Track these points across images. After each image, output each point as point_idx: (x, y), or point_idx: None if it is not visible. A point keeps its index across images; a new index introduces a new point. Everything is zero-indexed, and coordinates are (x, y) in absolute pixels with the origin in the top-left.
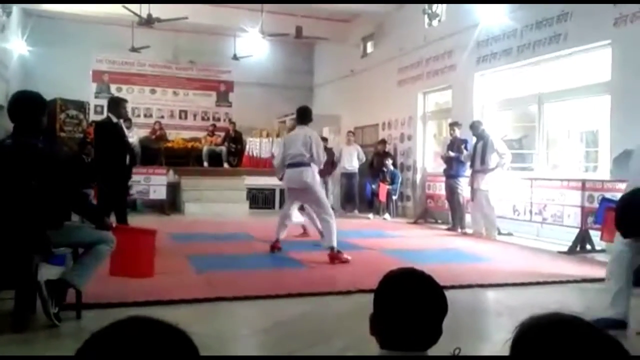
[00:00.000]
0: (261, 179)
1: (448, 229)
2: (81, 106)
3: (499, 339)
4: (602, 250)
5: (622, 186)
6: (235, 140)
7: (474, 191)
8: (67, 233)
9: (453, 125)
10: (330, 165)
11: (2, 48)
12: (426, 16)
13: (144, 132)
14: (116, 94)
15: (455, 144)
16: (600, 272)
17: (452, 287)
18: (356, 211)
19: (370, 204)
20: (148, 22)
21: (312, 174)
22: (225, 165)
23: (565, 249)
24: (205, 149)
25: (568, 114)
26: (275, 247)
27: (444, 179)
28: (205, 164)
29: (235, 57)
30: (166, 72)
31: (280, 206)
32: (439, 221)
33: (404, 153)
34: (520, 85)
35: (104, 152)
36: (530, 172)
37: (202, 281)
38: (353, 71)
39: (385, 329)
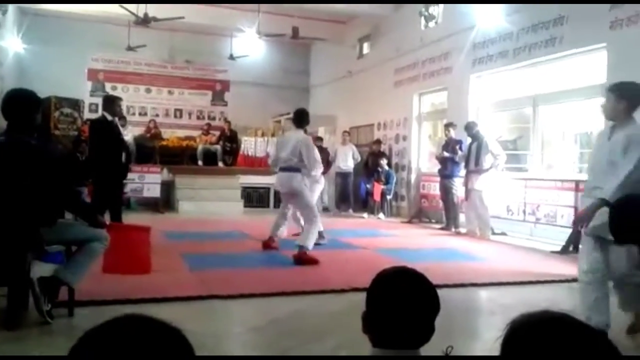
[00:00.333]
0: (256, 177)
1: (442, 229)
2: (76, 104)
3: (492, 338)
4: None
5: None
6: (231, 139)
7: (468, 191)
8: (60, 230)
9: (448, 126)
10: (325, 164)
11: None
12: (423, 18)
13: (138, 131)
14: (111, 93)
15: (450, 145)
16: None
17: (446, 285)
18: (351, 210)
19: (364, 204)
20: (144, 21)
21: (300, 179)
22: (220, 164)
23: (558, 248)
24: (200, 147)
25: (563, 116)
26: (268, 244)
27: (438, 179)
28: (200, 162)
29: (231, 57)
30: (162, 71)
31: (275, 205)
32: (433, 221)
33: (398, 153)
34: (515, 87)
35: (99, 150)
36: (525, 173)
37: (196, 279)
38: (349, 72)
39: (378, 327)
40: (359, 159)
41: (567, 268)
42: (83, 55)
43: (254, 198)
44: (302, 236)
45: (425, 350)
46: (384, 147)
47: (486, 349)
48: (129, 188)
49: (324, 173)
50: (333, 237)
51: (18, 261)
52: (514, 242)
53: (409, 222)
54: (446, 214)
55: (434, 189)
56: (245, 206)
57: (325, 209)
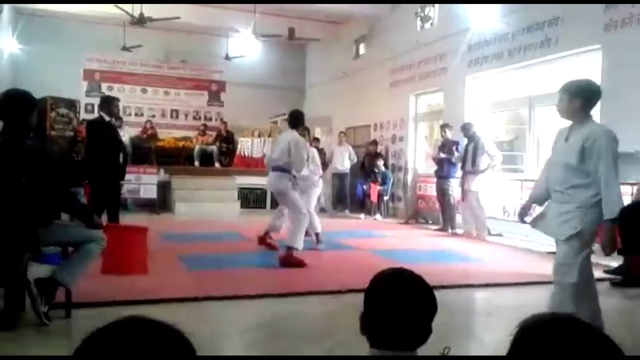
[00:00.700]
0: (252, 178)
1: (438, 230)
2: (72, 105)
3: (488, 339)
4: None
5: None
6: (227, 140)
7: (464, 192)
8: (56, 231)
9: (444, 127)
10: (321, 165)
11: None
12: (419, 19)
13: (134, 131)
14: (107, 93)
15: (446, 146)
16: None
17: (442, 287)
18: (347, 211)
19: (361, 204)
20: (140, 21)
21: (288, 180)
22: (217, 164)
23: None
24: (196, 148)
25: (558, 117)
26: (264, 240)
27: (434, 180)
28: (197, 163)
29: (227, 57)
30: (158, 72)
31: (272, 206)
32: (430, 222)
33: (395, 154)
34: (511, 88)
35: (97, 151)
36: (521, 174)
37: (193, 280)
38: (345, 72)
39: (375, 328)
40: (356, 160)
41: None
42: (79, 55)
43: (251, 199)
44: (289, 237)
45: (422, 351)
46: (380, 148)
47: (483, 350)
48: (125, 189)
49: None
50: (329, 238)
51: (15, 262)
52: (511, 243)
53: (406, 223)
54: (443, 215)
55: (431, 190)
56: (241, 207)
57: (322, 210)
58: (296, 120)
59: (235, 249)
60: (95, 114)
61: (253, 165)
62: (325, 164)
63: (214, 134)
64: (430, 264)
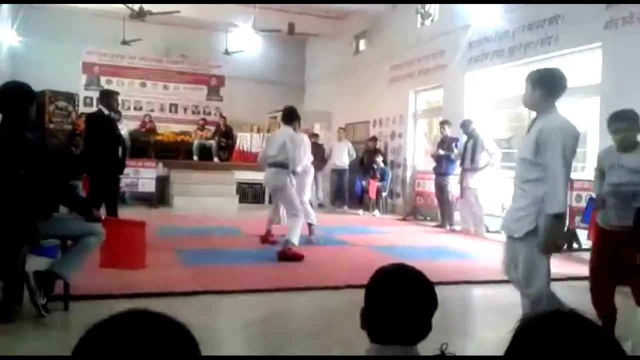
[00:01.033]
0: (251, 173)
1: (437, 226)
2: (70, 98)
3: (486, 335)
4: (589, 249)
5: None
6: (226, 134)
7: (463, 189)
8: (55, 224)
9: (443, 123)
10: (320, 161)
11: None
12: (419, 16)
13: (133, 125)
14: (106, 87)
15: (445, 143)
16: (586, 271)
17: (440, 283)
18: (346, 207)
19: (360, 201)
20: (140, 15)
21: (284, 176)
22: (215, 159)
23: None
24: (195, 142)
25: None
26: (266, 239)
27: (433, 176)
28: (195, 157)
29: (227, 52)
30: (157, 66)
31: (270, 201)
32: (428, 218)
33: (394, 150)
34: (511, 86)
35: (96, 145)
36: None
37: (190, 274)
38: (345, 68)
39: (376, 323)
40: (355, 156)
41: (562, 266)
42: (78, 48)
43: (249, 194)
44: (288, 232)
45: (420, 347)
46: (379, 144)
47: (481, 347)
48: (123, 183)
49: (319, 170)
50: (328, 234)
51: (13, 254)
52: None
53: (404, 219)
54: (441, 211)
55: (429, 186)
56: (240, 202)
57: (321, 205)
58: (290, 116)
59: (234, 243)
60: (94, 108)
61: (252, 160)
62: (324, 160)
63: (213, 128)
64: (428, 260)
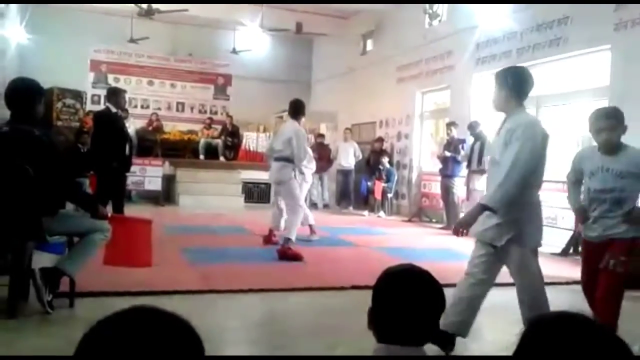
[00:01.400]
0: (257, 173)
1: (442, 228)
2: (78, 95)
3: (491, 338)
4: None
5: None
6: (232, 133)
7: (469, 191)
8: (62, 221)
9: (450, 125)
10: (326, 161)
11: (0, 35)
12: (427, 16)
13: (140, 123)
14: (113, 85)
15: (452, 144)
16: None
17: (445, 285)
18: (351, 208)
19: (365, 201)
20: (148, 13)
21: (289, 170)
22: (222, 158)
23: (559, 250)
24: (201, 141)
25: (565, 118)
26: (269, 239)
27: (439, 178)
28: (202, 156)
29: (234, 51)
30: (164, 64)
31: None
32: (434, 220)
33: (400, 151)
34: None
35: (103, 142)
36: None
37: (196, 273)
38: (352, 68)
39: (383, 323)
40: (361, 157)
41: (567, 270)
42: (86, 46)
43: (255, 194)
44: (286, 229)
45: (427, 347)
46: (385, 145)
47: (485, 349)
48: (130, 180)
49: (325, 170)
50: (333, 234)
51: (19, 251)
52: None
53: (409, 220)
54: (447, 213)
55: (435, 188)
56: (245, 201)
57: (326, 206)
58: (296, 109)
59: (239, 242)
60: (102, 106)
61: (258, 160)
62: (330, 160)
63: (219, 127)
64: (433, 262)
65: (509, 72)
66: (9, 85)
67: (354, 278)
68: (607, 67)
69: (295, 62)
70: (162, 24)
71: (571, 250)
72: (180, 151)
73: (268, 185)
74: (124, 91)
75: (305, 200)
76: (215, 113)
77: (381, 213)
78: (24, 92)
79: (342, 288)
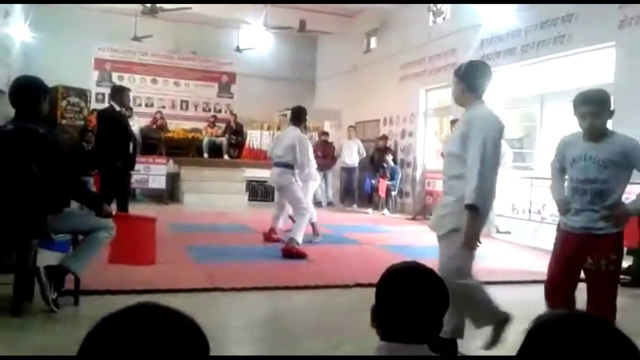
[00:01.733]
0: (261, 171)
1: None
2: (82, 94)
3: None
4: None
5: None
6: (236, 132)
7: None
8: (66, 219)
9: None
10: (330, 159)
11: (5, 34)
12: (431, 13)
13: (144, 122)
14: (118, 83)
15: None
16: None
17: None
18: (355, 206)
19: (369, 199)
20: (152, 11)
21: (289, 175)
22: (226, 156)
23: None
24: (205, 140)
25: (569, 115)
26: (269, 236)
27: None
28: (206, 155)
29: (237, 49)
30: (168, 62)
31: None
32: None
33: (404, 149)
34: (522, 85)
35: (107, 141)
36: (530, 172)
37: (200, 271)
38: (356, 66)
39: (386, 320)
40: (365, 154)
41: None
42: (90, 44)
43: (259, 192)
44: (292, 230)
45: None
46: (389, 143)
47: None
48: (134, 179)
49: (329, 168)
50: (337, 232)
51: (24, 248)
52: (519, 241)
53: (413, 218)
54: None
55: (439, 186)
56: (249, 200)
57: (330, 204)
58: (298, 117)
59: (243, 241)
60: (106, 104)
61: (262, 158)
62: (334, 158)
63: (223, 125)
64: (437, 259)
65: (466, 67)
66: (13, 83)
67: (358, 276)
68: (611, 65)
69: (299, 60)
70: (166, 22)
71: None
72: (184, 149)
73: None
74: (128, 89)
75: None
76: (219, 111)
77: (385, 211)
78: (29, 90)
79: (346, 286)
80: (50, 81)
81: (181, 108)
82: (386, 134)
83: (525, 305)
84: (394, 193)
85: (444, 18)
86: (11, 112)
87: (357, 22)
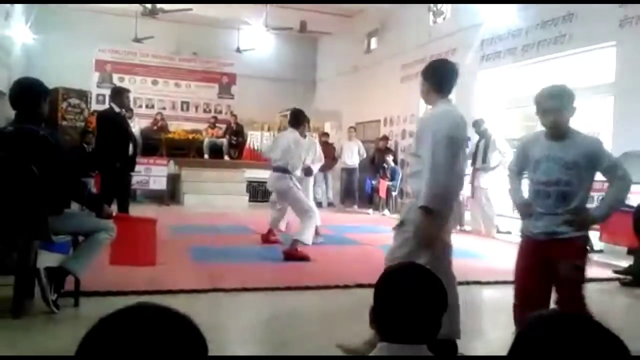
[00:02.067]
0: (261, 172)
1: None
2: (83, 95)
3: (495, 336)
4: (601, 251)
5: None
6: (237, 132)
7: (474, 189)
8: (67, 220)
9: None
10: (331, 160)
11: (6, 36)
12: (431, 13)
13: (145, 123)
14: (118, 84)
15: None
16: (597, 273)
17: None
18: (355, 206)
19: (370, 200)
20: (152, 12)
21: (287, 181)
22: (226, 157)
23: None
24: (206, 140)
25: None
26: (267, 238)
27: None
28: (206, 156)
29: (238, 50)
30: (169, 64)
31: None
32: None
33: (405, 150)
34: (523, 85)
35: (107, 142)
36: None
37: (201, 272)
38: (356, 67)
39: (385, 321)
40: (365, 155)
41: None
42: (91, 46)
43: (259, 192)
44: (299, 231)
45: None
46: (390, 143)
47: (490, 348)
48: (135, 180)
49: (329, 168)
50: (337, 233)
51: (24, 250)
52: (519, 241)
53: None
54: None
55: None
56: (250, 200)
57: (331, 205)
58: (297, 119)
59: (244, 241)
60: (107, 105)
61: (262, 159)
62: (334, 159)
63: (224, 126)
64: None
65: (431, 66)
66: (13, 85)
67: (359, 277)
68: (612, 64)
69: (299, 61)
70: (167, 23)
71: None
72: (184, 150)
73: None
74: (128, 91)
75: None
76: (220, 112)
77: (386, 211)
78: (29, 92)
79: (346, 286)
80: (51, 83)
81: (182, 109)
82: (387, 134)
83: None
84: (394, 194)
85: (444, 18)
86: (12, 113)
87: (358, 22)
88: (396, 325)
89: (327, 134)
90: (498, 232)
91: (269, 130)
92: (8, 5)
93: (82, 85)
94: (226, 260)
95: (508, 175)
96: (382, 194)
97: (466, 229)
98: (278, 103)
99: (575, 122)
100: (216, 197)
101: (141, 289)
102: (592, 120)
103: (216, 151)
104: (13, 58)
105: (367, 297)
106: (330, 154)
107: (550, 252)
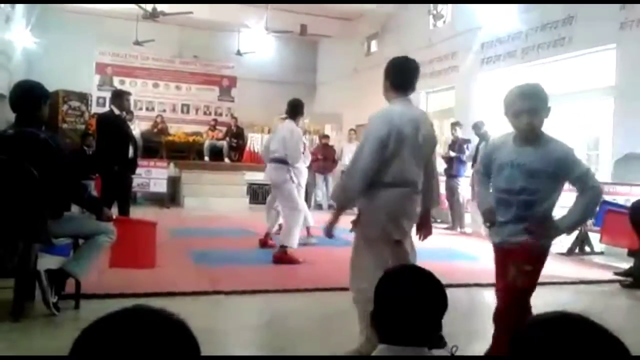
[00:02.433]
0: (262, 174)
1: (447, 228)
2: (84, 98)
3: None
4: (601, 253)
5: (623, 189)
6: (237, 135)
7: (474, 191)
8: (67, 223)
9: (455, 125)
10: (331, 162)
11: (6, 39)
12: (431, 17)
13: (145, 125)
14: (119, 87)
15: (457, 144)
16: (598, 274)
17: (450, 285)
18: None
19: None
20: (153, 15)
21: (286, 172)
22: (226, 160)
23: (564, 250)
24: (206, 143)
25: (570, 117)
26: (265, 242)
27: (444, 178)
28: (207, 158)
29: (239, 53)
30: (169, 66)
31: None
32: (439, 220)
33: None
34: None
35: (107, 145)
36: None
37: (201, 275)
38: (356, 69)
39: (385, 324)
40: None
41: (572, 270)
42: (91, 49)
43: (260, 195)
44: (282, 234)
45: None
46: None
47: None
48: (135, 183)
49: (330, 171)
50: (337, 235)
51: (25, 253)
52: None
53: None
54: (452, 213)
55: (440, 188)
56: (250, 203)
57: (331, 207)
58: (295, 109)
59: (243, 244)
60: (107, 108)
61: (262, 161)
62: (335, 161)
63: (224, 129)
64: (438, 262)
65: (390, 63)
66: (13, 88)
67: None
68: (612, 66)
69: (299, 64)
70: (167, 26)
71: (577, 250)
72: (185, 153)
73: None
74: (128, 93)
75: (308, 200)
76: (220, 115)
77: None
78: (29, 95)
79: (345, 289)
80: (51, 86)
81: (182, 112)
82: None
83: (533, 307)
84: None
85: (444, 21)
86: (12, 116)
87: (358, 25)
88: (396, 327)
89: (327, 136)
90: None
91: (269, 132)
92: (9, 8)
93: (83, 88)
94: (226, 263)
95: (476, 177)
96: None
97: (466, 232)
98: (278, 106)
99: (576, 124)
100: (216, 200)
101: (141, 291)
102: (593, 122)
103: (216, 154)
104: (14, 61)
105: None
106: (331, 156)
107: (508, 257)
